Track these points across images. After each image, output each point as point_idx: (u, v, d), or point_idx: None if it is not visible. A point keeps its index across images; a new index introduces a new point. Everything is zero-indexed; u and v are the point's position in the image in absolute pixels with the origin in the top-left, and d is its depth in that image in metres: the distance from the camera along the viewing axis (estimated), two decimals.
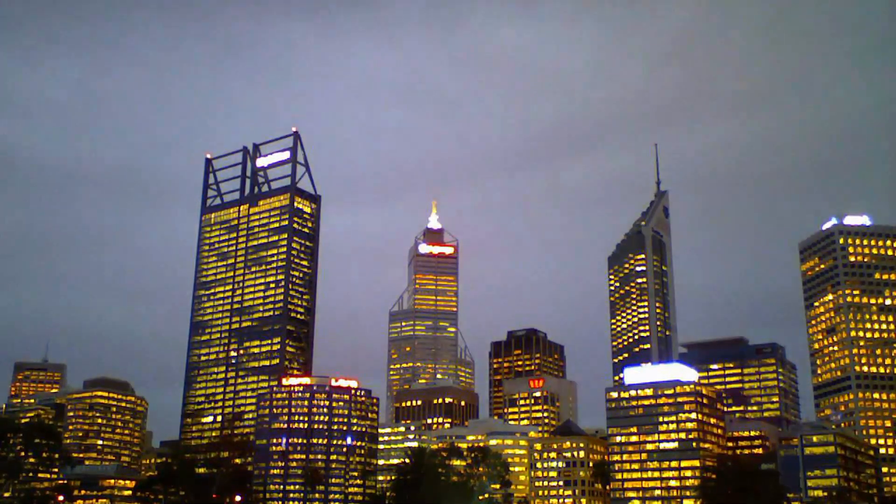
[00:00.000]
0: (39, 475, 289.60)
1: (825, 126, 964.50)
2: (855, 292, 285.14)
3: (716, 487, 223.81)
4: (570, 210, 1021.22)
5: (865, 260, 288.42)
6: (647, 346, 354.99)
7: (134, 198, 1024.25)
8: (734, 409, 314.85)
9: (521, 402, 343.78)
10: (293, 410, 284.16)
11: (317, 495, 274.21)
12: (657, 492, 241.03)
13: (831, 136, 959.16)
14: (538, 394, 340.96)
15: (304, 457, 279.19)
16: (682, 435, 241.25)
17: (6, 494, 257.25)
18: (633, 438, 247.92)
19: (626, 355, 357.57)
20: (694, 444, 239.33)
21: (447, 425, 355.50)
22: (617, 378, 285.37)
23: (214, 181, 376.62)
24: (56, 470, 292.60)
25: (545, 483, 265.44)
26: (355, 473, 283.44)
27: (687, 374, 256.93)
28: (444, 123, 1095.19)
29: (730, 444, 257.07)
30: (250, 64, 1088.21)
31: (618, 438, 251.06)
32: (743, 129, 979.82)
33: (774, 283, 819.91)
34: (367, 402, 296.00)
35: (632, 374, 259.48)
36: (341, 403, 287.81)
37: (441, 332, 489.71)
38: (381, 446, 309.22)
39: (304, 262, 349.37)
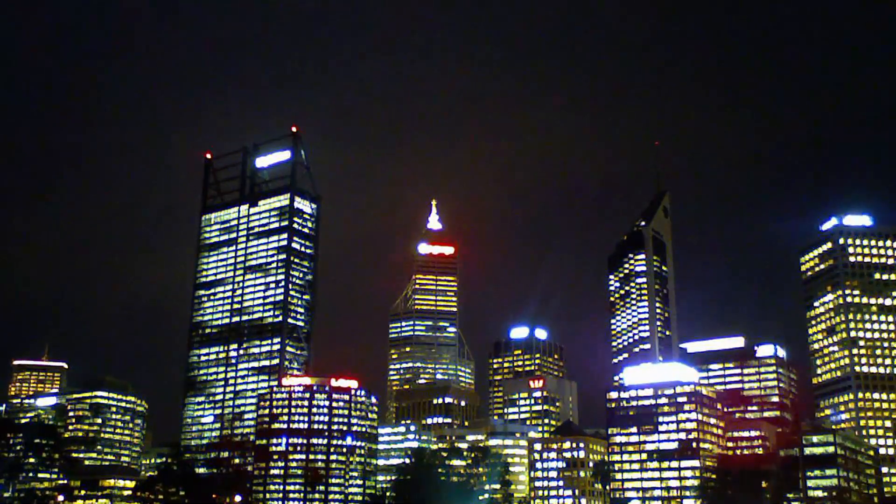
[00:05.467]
0: (39, 475, 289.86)
1: (825, 125, 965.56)
2: (855, 292, 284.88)
3: (716, 487, 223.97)
4: (570, 210, 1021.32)
5: (865, 260, 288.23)
6: (647, 346, 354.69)
7: (133, 197, 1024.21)
8: (734, 409, 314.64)
9: (521, 402, 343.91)
10: (293, 410, 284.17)
11: (317, 495, 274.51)
12: (657, 492, 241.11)
13: (831, 134, 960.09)
14: (538, 394, 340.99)
15: (304, 457, 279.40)
16: (682, 435, 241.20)
17: (6, 494, 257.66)
18: (633, 438, 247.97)
19: (626, 355, 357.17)
20: (694, 444, 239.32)
21: (447, 425, 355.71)
22: (617, 378, 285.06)
23: (214, 181, 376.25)
24: (56, 470, 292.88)
25: (545, 483, 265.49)
26: (355, 473, 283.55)
27: (687, 374, 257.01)
28: (446, 123, 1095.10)
29: (730, 444, 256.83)
30: (250, 64, 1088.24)
31: (618, 438, 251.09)
32: (742, 127, 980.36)
33: (774, 283, 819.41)
34: (367, 402, 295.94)
35: (632, 374, 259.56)
36: (341, 403, 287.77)
37: (441, 332, 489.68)
38: (381, 446, 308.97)
39: (304, 262, 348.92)
